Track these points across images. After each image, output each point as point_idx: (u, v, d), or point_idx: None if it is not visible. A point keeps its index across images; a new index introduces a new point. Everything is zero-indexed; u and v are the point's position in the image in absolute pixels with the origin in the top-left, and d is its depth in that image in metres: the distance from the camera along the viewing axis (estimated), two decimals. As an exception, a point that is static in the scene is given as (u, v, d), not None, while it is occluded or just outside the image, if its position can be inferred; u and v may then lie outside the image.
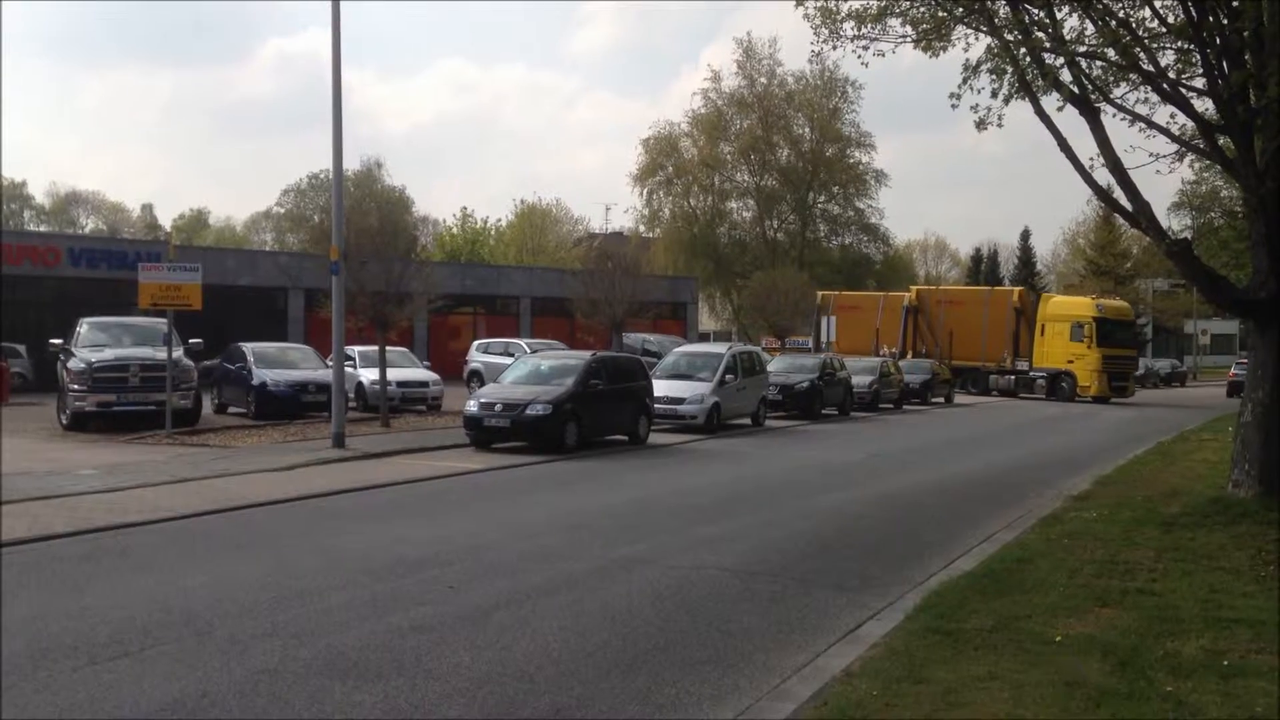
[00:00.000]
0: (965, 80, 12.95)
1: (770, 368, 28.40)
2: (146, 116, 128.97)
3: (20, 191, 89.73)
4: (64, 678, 6.19)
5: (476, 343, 35.86)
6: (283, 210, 70.97)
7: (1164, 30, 12.53)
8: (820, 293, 45.76)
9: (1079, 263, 77.03)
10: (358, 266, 21.42)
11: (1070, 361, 39.50)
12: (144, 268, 20.16)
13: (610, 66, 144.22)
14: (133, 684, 6.11)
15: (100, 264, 33.22)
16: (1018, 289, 45.61)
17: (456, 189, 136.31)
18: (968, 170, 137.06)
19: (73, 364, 20.33)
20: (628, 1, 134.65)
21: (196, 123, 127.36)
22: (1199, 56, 11.98)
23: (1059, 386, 39.57)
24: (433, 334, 40.07)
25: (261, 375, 23.13)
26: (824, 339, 41.00)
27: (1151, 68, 12.36)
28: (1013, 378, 40.98)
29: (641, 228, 63.92)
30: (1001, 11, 12.86)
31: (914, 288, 50.07)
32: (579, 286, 32.29)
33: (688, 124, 61.94)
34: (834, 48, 13.74)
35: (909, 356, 42.12)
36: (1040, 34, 12.45)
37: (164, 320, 20.42)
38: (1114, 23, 12.13)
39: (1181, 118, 12.87)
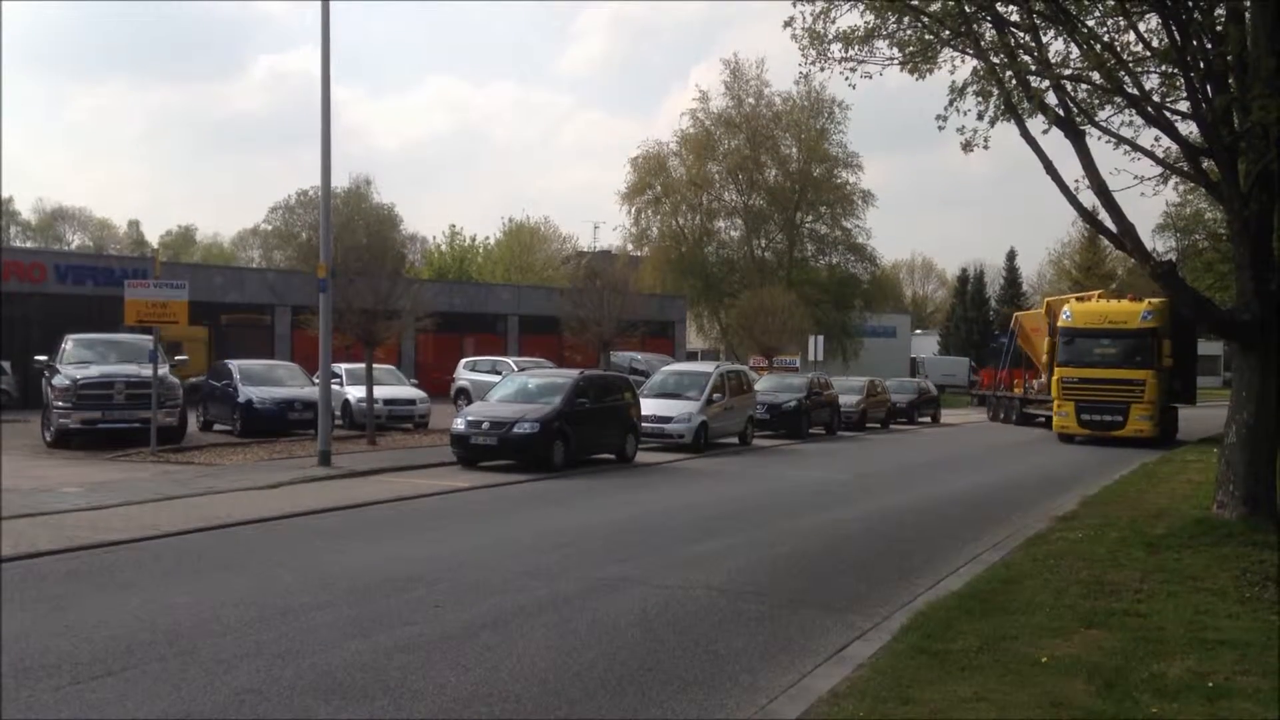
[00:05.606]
0: (951, 102, 13.04)
1: (758, 387, 28.49)
2: (134, 131, 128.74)
3: (7, 207, 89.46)
4: (46, 697, 6.14)
5: (464, 360, 35.80)
6: (271, 227, 70.83)
7: (1148, 54, 12.69)
8: (1015, 314, 38.92)
9: (1064, 284, 77.48)
10: (345, 284, 21.42)
11: None
12: (130, 284, 20.12)
13: (601, 85, 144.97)
14: (116, 704, 6.07)
15: (86, 280, 33.17)
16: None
17: (446, 206, 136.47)
18: (954, 191, 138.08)
19: (57, 381, 20.24)
20: (618, 4, 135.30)
21: (185, 138, 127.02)
22: (1183, 80, 12.11)
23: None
24: (420, 351, 40.00)
25: (247, 392, 23.07)
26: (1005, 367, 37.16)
27: (1136, 91, 12.49)
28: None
29: (630, 246, 63.90)
30: (988, 35, 12.98)
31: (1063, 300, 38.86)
32: (567, 305, 32.28)
33: (676, 143, 62.03)
34: (821, 69, 13.79)
35: None
36: (1026, 57, 12.57)
37: (149, 337, 20.34)
38: (1099, 46, 12.26)
39: (1166, 141, 13.01)
